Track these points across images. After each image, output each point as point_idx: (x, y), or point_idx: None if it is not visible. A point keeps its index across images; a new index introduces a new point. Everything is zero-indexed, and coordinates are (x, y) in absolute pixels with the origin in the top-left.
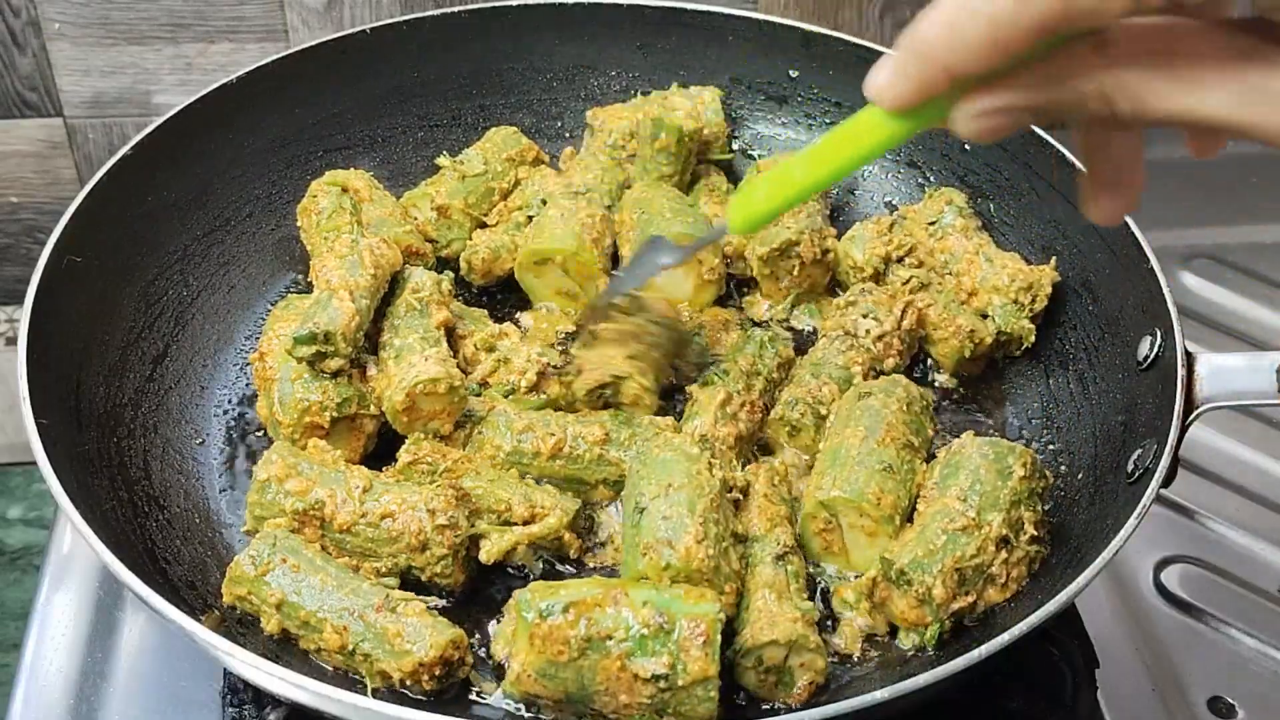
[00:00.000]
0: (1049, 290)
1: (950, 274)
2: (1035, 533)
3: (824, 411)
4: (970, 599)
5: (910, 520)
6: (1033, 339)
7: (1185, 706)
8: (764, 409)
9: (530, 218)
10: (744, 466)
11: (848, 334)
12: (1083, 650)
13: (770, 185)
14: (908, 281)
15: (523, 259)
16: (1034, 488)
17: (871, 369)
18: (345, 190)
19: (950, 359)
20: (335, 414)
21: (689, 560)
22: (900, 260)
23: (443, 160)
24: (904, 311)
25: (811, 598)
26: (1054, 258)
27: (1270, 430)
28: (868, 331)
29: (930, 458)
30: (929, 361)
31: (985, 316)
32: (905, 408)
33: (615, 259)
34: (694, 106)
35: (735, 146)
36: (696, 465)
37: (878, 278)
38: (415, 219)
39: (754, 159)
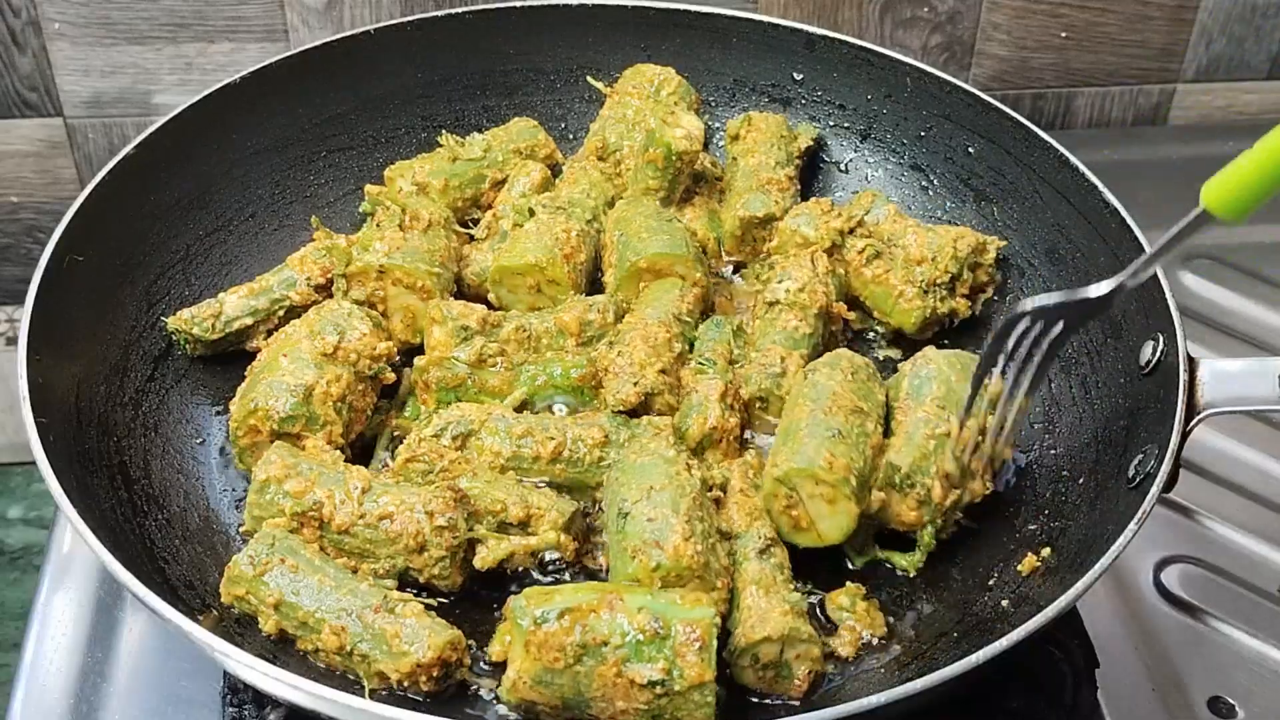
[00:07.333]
0: (998, 245)
1: (898, 246)
2: None
3: (779, 370)
4: (958, 494)
5: (886, 433)
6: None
7: (1185, 706)
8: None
9: (517, 225)
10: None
11: (772, 304)
12: (1083, 650)
13: (1263, 153)
14: (863, 250)
15: (493, 274)
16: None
17: (815, 317)
18: (403, 211)
19: (915, 319)
20: (276, 427)
21: (679, 559)
22: (851, 232)
23: (444, 137)
24: (813, 260)
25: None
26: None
27: (1271, 431)
28: (789, 290)
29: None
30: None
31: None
32: (850, 376)
33: (594, 274)
34: (696, 132)
35: None
36: (675, 466)
37: (833, 251)
38: (400, 189)
39: None
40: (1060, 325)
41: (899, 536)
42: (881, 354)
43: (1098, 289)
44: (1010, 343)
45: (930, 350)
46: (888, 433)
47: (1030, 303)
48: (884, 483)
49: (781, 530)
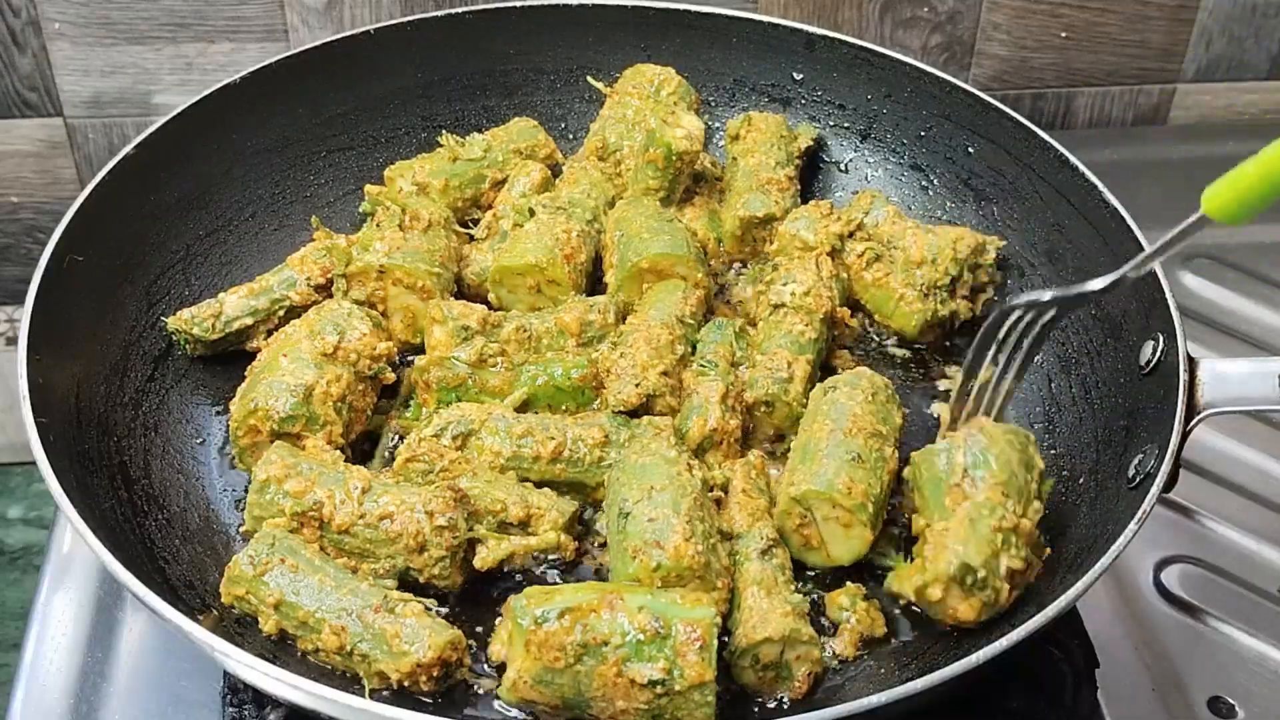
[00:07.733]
0: (998, 245)
1: (898, 249)
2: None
3: (785, 375)
4: (1019, 592)
5: (901, 472)
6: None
7: (1185, 706)
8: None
9: (517, 225)
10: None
11: (778, 306)
12: (1083, 650)
13: (1265, 162)
14: (863, 254)
15: (493, 274)
16: (1043, 478)
17: (821, 321)
18: (403, 211)
19: (916, 323)
20: (276, 427)
21: (679, 559)
22: (851, 235)
23: (444, 137)
24: (818, 263)
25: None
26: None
27: (1271, 431)
28: (794, 293)
29: (900, 444)
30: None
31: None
32: (870, 398)
33: (595, 274)
34: (696, 132)
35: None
36: (676, 466)
37: (833, 255)
38: (400, 189)
39: None
40: (1053, 311)
41: (900, 535)
42: (897, 353)
43: (1095, 284)
44: (1003, 333)
45: (986, 424)
46: (926, 505)
47: (1026, 300)
48: (953, 578)
49: (791, 548)
